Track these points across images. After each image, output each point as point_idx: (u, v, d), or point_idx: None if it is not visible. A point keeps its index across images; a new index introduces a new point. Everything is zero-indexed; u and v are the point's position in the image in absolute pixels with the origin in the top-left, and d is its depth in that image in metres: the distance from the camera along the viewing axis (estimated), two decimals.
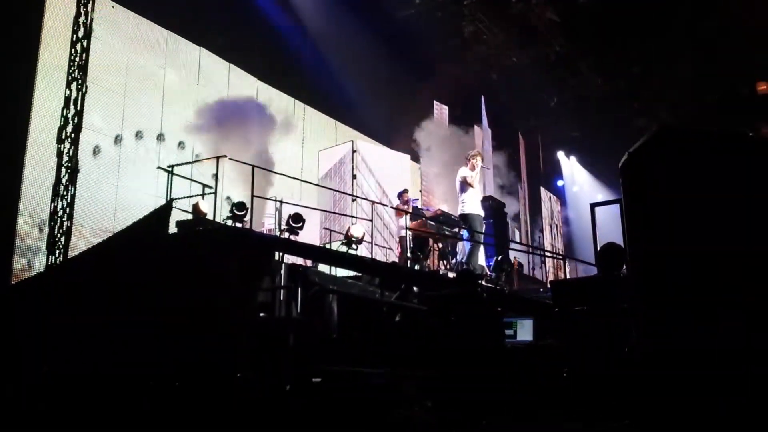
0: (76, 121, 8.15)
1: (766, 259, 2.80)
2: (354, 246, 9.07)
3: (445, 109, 15.34)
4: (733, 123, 15.03)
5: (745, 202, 2.83)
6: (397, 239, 11.98)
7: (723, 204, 2.85)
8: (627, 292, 4.86)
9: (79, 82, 8.26)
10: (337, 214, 11.89)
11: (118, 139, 10.79)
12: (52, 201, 8.04)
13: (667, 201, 2.94)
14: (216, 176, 8.73)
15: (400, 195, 11.82)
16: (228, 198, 11.12)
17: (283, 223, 8.74)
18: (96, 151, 10.35)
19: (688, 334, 2.88)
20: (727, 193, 2.84)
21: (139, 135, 11.18)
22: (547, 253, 16.49)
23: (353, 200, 11.98)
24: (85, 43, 8.38)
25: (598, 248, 5.84)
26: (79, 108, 8.18)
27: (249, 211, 8.38)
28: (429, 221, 11.33)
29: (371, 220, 10.15)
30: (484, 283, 9.92)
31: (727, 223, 2.84)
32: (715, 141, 3.02)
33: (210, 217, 8.43)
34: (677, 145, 3.02)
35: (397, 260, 11.43)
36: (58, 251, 7.87)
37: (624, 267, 5.38)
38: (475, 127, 15.77)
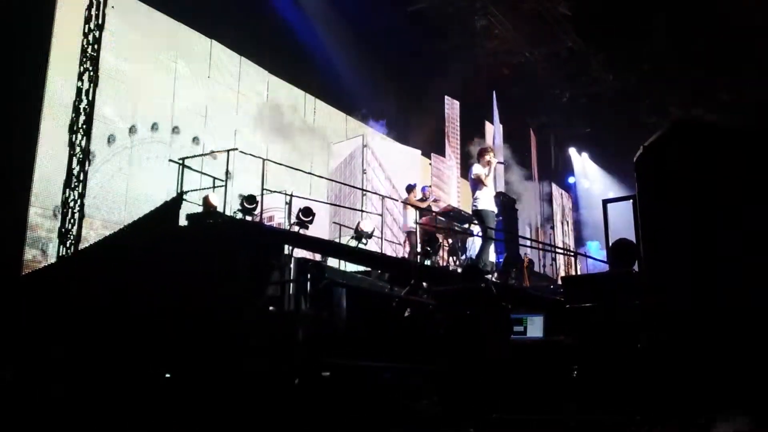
0: (87, 111, 8.17)
1: None
2: (364, 240, 9.06)
3: (456, 104, 15.29)
4: (744, 121, 14.92)
5: (761, 197, 2.79)
6: (405, 234, 11.95)
7: (740, 198, 2.81)
8: (639, 288, 4.83)
9: (91, 73, 8.28)
10: (347, 208, 11.87)
11: (129, 131, 10.81)
12: (64, 192, 8.07)
13: (682, 194, 2.91)
14: (227, 169, 8.72)
15: (410, 189, 11.79)
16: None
17: (293, 216, 8.73)
18: (107, 142, 10.37)
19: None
20: (744, 188, 2.80)
21: (150, 127, 11.19)
22: (558, 250, 16.43)
23: (363, 195, 11.95)
24: (97, 35, 8.40)
25: (610, 244, 5.81)
26: (90, 99, 8.20)
27: (259, 204, 8.38)
28: (439, 217, 11.32)
29: (381, 215, 10.13)
30: (494, 278, 9.90)
31: (744, 219, 2.80)
32: (730, 136, 2.98)
33: (220, 210, 8.43)
34: (693, 139, 2.98)
35: (406, 255, 11.41)
36: (69, 242, 7.90)
37: (636, 263, 5.34)
38: (486, 122, 15.72)
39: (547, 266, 14.69)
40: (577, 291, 5.83)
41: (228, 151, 8.88)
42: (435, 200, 12.35)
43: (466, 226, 11.43)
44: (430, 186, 13.13)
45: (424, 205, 11.40)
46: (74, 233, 7.90)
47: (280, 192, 9.90)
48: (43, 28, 9.58)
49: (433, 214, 11.34)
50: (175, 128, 11.59)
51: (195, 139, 11.91)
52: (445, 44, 15.51)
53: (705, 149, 3.00)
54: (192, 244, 7.13)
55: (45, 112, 9.42)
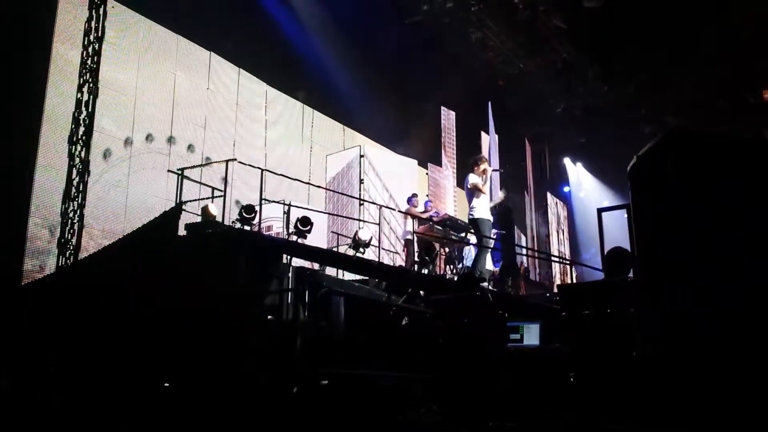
0: (87, 123, 8.22)
1: None
2: (361, 249, 9.12)
3: (452, 114, 15.38)
4: (739, 130, 15.04)
5: (754, 206, 2.84)
6: (403, 243, 12.04)
7: (733, 207, 2.86)
8: (634, 296, 4.89)
9: (91, 84, 8.33)
10: (345, 217, 11.94)
11: (128, 142, 10.87)
12: (63, 203, 8.09)
13: (676, 203, 2.97)
14: (225, 179, 8.79)
15: (410, 200, 11.90)
16: (237, 201, 11.22)
17: (291, 226, 8.78)
18: (107, 153, 10.43)
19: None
20: (737, 197, 2.86)
21: (149, 138, 11.25)
22: (554, 258, 16.49)
23: (360, 204, 12.02)
24: (96, 46, 8.45)
25: (605, 252, 5.87)
26: (90, 110, 8.24)
27: (257, 214, 8.43)
28: (436, 226, 11.39)
29: (378, 224, 10.19)
30: (490, 287, 9.96)
31: (737, 227, 2.85)
32: (724, 144, 3.04)
33: (219, 219, 8.48)
34: (687, 148, 3.04)
35: (403, 264, 11.47)
36: (68, 253, 7.92)
37: (630, 271, 5.41)
38: (482, 133, 15.80)
39: (543, 274, 14.75)
40: (572, 299, 5.89)
41: (227, 161, 8.94)
42: (437, 213, 12.45)
43: (463, 234, 11.50)
44: (431, 201, 13.23)
45: (425, 216, 11.49)
46: (74, 243, 7.92)
47: (278, 202, 9.96)
48: (42, 40, 9.64)
49: (431, 222, 11.42)
50: (174, 139, 11.65)
51: (195, 151, 11.97)
52: (441, 55, 15.63)
53: (699, 158, 3.06)
54: (191, 253, 7.17)
55: (44, 124, 9.48)
